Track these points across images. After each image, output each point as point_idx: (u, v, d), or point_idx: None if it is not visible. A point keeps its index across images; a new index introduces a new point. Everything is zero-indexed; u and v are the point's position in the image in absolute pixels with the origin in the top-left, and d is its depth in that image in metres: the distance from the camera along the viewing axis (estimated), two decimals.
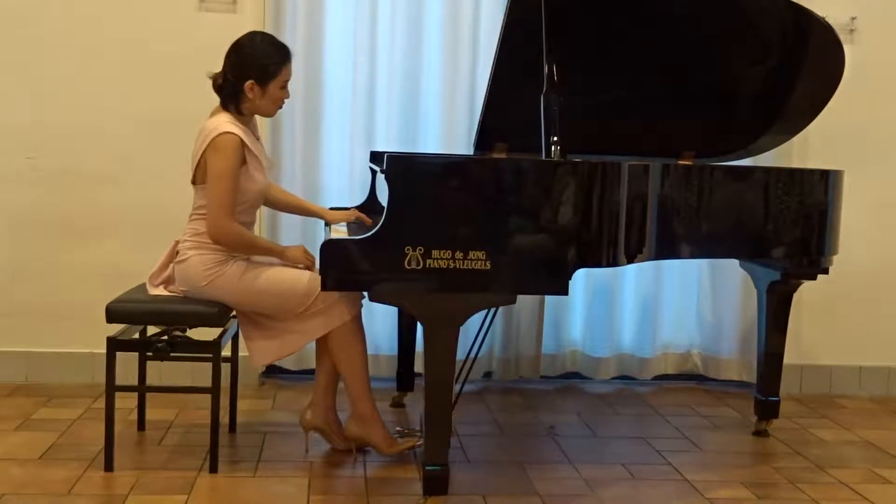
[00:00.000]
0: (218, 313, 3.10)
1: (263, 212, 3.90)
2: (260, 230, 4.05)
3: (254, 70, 3.12)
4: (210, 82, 3.19)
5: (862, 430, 3.87)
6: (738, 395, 4.25)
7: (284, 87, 3.20)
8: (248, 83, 3.12)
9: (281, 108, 3.26)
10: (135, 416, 3.53)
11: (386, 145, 4.08)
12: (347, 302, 3.13)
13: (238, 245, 3.14)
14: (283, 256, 3.20)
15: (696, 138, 3.74)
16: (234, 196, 3.08)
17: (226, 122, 3.10)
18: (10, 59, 3.97)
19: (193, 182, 3.18)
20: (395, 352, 3.99)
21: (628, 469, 3.29)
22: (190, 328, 3.16)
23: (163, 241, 3.29)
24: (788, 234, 3.40)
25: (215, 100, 3.22)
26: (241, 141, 3.08)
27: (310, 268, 3.16)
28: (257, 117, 3.26)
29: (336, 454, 3.30)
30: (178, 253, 3.19)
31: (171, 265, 3.21)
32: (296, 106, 4.07)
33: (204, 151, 3.08)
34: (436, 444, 2.95)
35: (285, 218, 4.04)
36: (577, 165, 2.89)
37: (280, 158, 4.10)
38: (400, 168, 2.87)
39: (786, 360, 3.75)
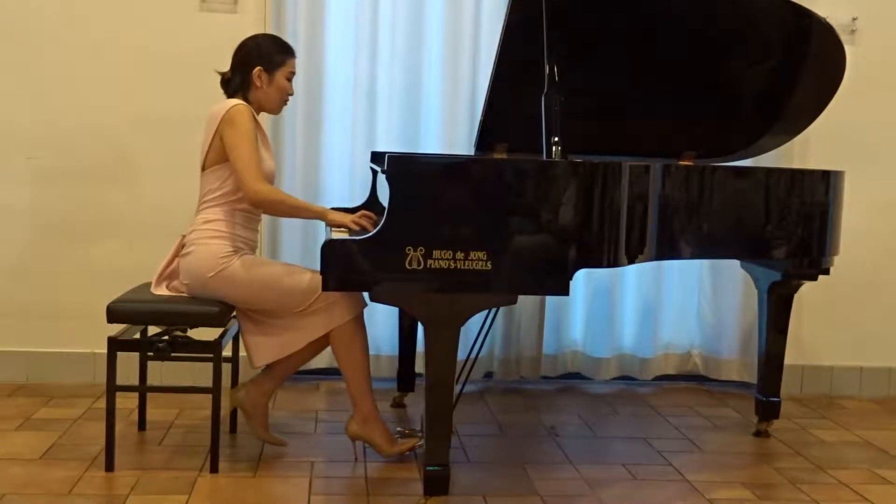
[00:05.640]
0: (219, 313, 3.10)
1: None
2: (261, 233, 4.04)
3: (261, 59, 3.21)
4: (214, 81, 3.26)
5: (862, 430, 3.87)
6: (739, 396, 4.25)
7: (290, 79, 3.27)
8: (256, 70, 3.19)
9: (286, 103, 3.31)
10: (135, 416, 3.53)
11: (387, 145, 4.08)
12: (349, 301, 3.13)
13: (278, 205, 3.18)
14: (326, 219, 3.22)
15: (697, 138, 3.74)
16: (258, 158, 3.11)
17: (234, 100, 3.17)
18: (10, 59, 3.97)
19: (203, 168, 3.20)
20: (395, 352, 3.99)
21: (629, 469, 3.29)
22: (191, 328, 3.16)
23: (163, 241, 3.30)
24: (789, 234, 3.40)
25: (216, 99, 3.23)
26: (253, 112, 3.16)
27: (357, 223, 3.15)
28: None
29: (337, 454, 3.29)
30: (183, 247, 3.20)
31: (176, 260, 3.22)
32: (297, 106, 4.07)
33: (217, 129, 3.12)
34: (436, 444, 2.95)
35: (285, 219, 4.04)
36: (577, 166, 2.89)
37: (281, 158, 4.10)
38: (401, 168, 2.87)
39: (786, 361, 3.75)
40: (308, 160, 4.13)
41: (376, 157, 3.80)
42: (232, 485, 3.03)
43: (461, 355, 3.07)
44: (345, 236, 2.95)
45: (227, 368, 3.36)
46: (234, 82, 3.23)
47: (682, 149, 3.75)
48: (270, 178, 3.25)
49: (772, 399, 3.71)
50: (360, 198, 3.88)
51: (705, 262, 4.36)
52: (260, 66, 3.20)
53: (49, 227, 4.02)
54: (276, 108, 3.30)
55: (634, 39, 3.48)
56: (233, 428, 3.53)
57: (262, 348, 3.22)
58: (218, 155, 3.15)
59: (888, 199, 4.35)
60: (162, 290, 3.20)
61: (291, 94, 3.30)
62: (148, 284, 3.25)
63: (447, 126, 4.18)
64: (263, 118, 3.32)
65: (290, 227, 4.11)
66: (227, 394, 3.29)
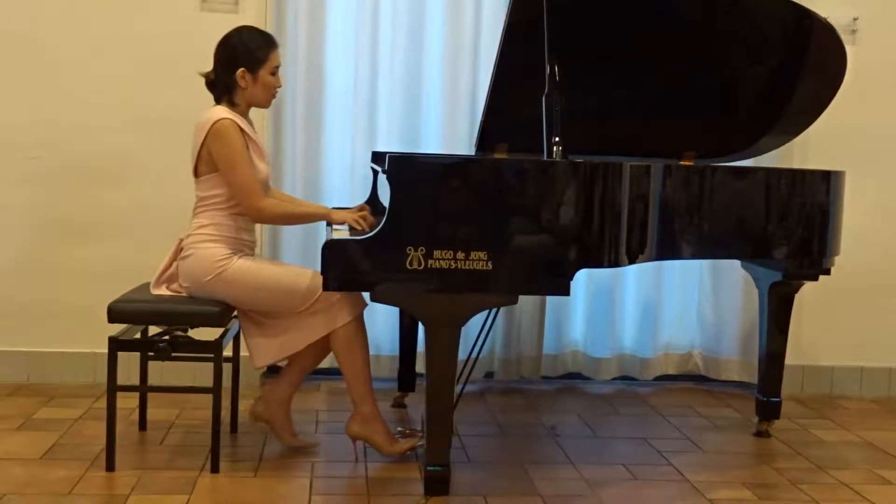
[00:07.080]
0: (219, 313, 3.10)
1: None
2: (261, 234, 4.04)
3: (243, 58, 3.17)
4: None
5: (863, 430, 3.87)
6: (739, 396, 4.25)
7: (275, 73, 3.23)
8: (240, 71, 3.16)
9: (275, 96, 3.28)
10: (136, 416, 3.53)
11: (387, 145, 4.07)
12: (350, 302, 3.13)
13: (280, 218, 3.29)
14: (329, 218, 3.23)
15: (698, 139, 3.74)
16: (253, 175, 3.11)
17: (220, 111, 3.15)
18: (10, 59, 3.97)
19: (196, 175, 3.19)
20: (396, 352, 3.99)
21: (629, 469, 3.29)
22: (191, 328, 3.16)
23: (163, 241, 3.30)
24: (790, 234, 3.40)
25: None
26: (238, 125, 3.13)
27: (362, 220, 3.16)
28: (252, 114, 3.28)
29: (337, 454, 3.29)
30: (181, 250, 3.20)
31: (175, 263, 3.21)
32: (297, 106, 4.08)
33: (203, 142, 3.11)
34: (437, 444, 2.95)
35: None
36: (578, 166, 2.89)
37: (281, 159, 4.11)
38: (401, 168, 2.87)
39: (787, 361, 3.74)
40: (308, 160, 4.13)
41: (377, 157, 3.80)
42: (233, 485, 3.03)
43: (461, 355, 3.07)
44: (345, 236, 2.95)
45: (227, 368, 3.36)
46: (220, 84, 3.20)
47: (683, 149, 3.74)
48: (265, 183, 3.24)
49: (772, 399, 3.71)
50: (360, 198, 3.87)
51: (705, 262, 4.36)
52: (243, 66, 3.15)
53: (49, 227, 4.02)
54: (265, 103, 3.28)
55: (635, 39, 3.48)
56: (233, 428, 3.53)
57: (263, 349, 3.22)
58: (208, 167, 3.14)
59: (888, 200, 4.35)
60: (162, 292, 3.20)
61: (279, 87, 3.27)
62: (148, 284, 3.25)
63: (447, 126, 4.18)
64: (261, 117, 3.31)
65: (290, 228, 4.10)
66: (249, 414, 3.35)
